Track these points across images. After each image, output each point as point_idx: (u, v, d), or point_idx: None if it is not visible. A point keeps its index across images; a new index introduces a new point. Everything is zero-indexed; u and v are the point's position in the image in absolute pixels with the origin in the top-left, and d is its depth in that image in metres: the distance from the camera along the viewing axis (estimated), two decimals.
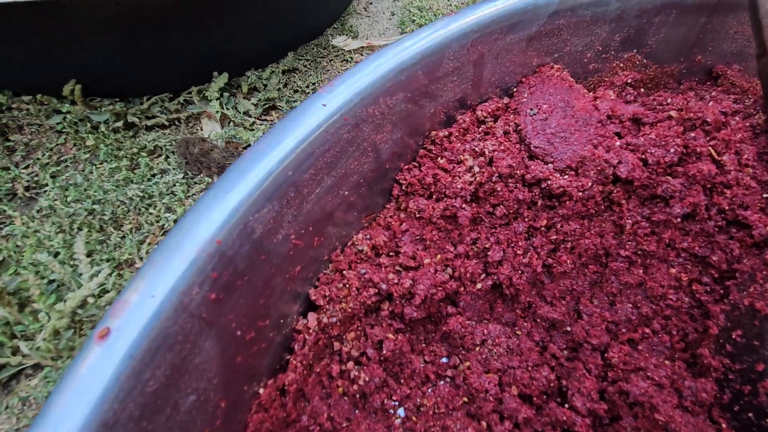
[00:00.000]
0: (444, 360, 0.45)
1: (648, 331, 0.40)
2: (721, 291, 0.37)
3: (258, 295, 0.34)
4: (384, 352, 0.42)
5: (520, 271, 0.43)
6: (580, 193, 0.39)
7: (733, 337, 0.34)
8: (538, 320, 0.44)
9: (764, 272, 0.33)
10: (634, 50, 0.53)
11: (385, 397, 0.43)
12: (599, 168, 0.39)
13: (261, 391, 0.38)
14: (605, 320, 0.42)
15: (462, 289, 0.45)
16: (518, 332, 0.44)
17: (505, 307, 0.46)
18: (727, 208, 0.37)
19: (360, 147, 0.40)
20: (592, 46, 0.50)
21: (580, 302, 0.43)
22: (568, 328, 0.42)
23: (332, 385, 0.44)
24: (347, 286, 0.42)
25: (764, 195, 0.37)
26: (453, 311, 0.46)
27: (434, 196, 0.45)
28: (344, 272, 0.43)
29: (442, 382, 0.44)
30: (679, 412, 0.33)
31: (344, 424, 0.42)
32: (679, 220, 0.38)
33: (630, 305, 0.41)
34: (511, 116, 0.46)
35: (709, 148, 0.38)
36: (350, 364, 0.44)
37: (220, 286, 0.29)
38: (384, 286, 0.43)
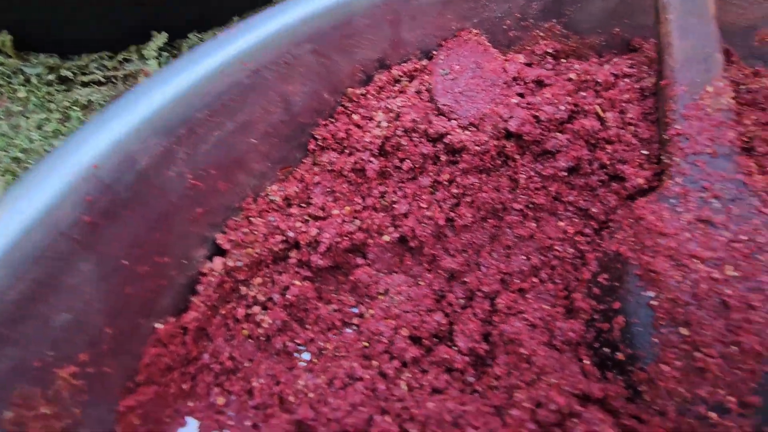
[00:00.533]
0: (353, 309, 0.47)
1: (536, 281, 0.43)
2: (599, 241, 0.40)
3: (151, 229, 0.35)
4: (289, 297, 0.44)
5: (424, 224, 0.45)
6: (477, 147, 0.42)
7: (600, 280, 0.37)
8: (440, 271, 0.46)
9: (630, 220, 0.36)
10: (554, 20, 0.54)
11: (287, 339, 0.44)
12: (494, 123, 0.41)
13: (160, 326, 0.39)
14: (501, 271, 0.44)
15: (371, 241, 0.47)
16: (420, 282, 0.46)
17: (413, 260, 0.48)
18: (607, 162, 0.39)
19: (265, 95, 0.41)
20: (510, 13, 0.52)
21: (480, 255, 0.46)
22: (466, 279, 0.45)
23: (237, 328, 0.45)
24: (255, 232, 0.44)
25: (643, 151, 0.40)
26: (362, 262, 0.48)
27: (346, 151, 0.46)
28: (253, 219, 0.44)
29: (348, 330, 0.46)
30: (544, 348, 0.36)
31: (246, 364, 0.44)
32: (565, 173, 0.40)
33: (523, 257, 0.44)
34: (426, 77, 0.47)
35: (596, 106, 0.40)
36: (256, 308, 0.45)
37: (96, 211, 0.30)
38: (291, 234, 0.45)
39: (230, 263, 0.43)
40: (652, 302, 0.32)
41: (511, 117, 0.40)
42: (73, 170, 0.29)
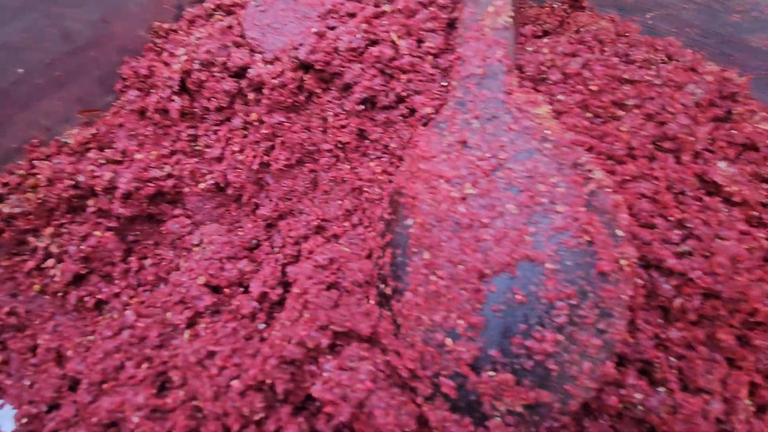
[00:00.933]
0: (170, 263, 0.44)
1: (347, 225, 0.41)
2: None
3: None
4: (85, 248, 0.40)
5: (238, 169, 0.42)
6: (275, 81, 0.38)
7: (385, 215, 0.35)
8: (259, 219, 0.43)
9: (409, 149, 0.34)
10: None
11: (86, 294, 0.41)
12: (288, 54, 0.38)
13: None
14: (319, 218, 0.42)
15: (187, 189, 0.44)
16: (240, 232, 0.43)
17: (238, 210, 0.45)
18: (403, 93, 0.37)
19: (28, 16, 0.36)
20: None
21: (302, 202, 0.43)
22: (282, 226, 0.42)
23: (26, 282, 0.42)
24: (37, 176, 0.40)
25: (443, 83, 0.37)
26: (180, 213, 0.45)
27: (150, 90, 0.43)
28: (36, 163, 0.40)
29: (162, 285, 0.43)
30: (318, 287, 0.33)
31: (36, 321, 0.41)
32: (362, 107, 0.38)
33: (338, 201, 0.42)
34: (240, 10, 0.44)
35: (391, 33, 0.37)
36: (50, 262, 0.42)
37: None
38: (81, 178, 0.41)
39: (6, 209, 0.39)
40: (410, 230, 0.30)
41: (301, 45, 0.37)
42: None
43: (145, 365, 0.33)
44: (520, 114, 0.28)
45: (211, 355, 0.31)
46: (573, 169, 0.28)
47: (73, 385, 0.35)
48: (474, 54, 0.31)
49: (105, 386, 0.32)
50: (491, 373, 0.27)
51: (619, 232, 0.27)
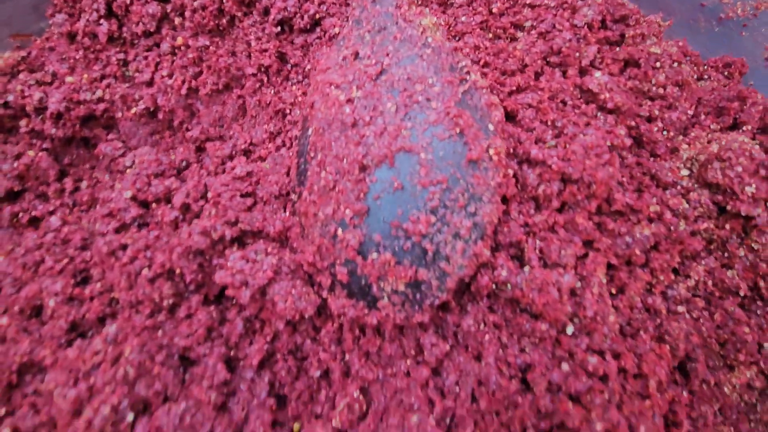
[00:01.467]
0: (105, 186, 0.46)
1: (271, 146, 0.43)
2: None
3: None
4: (18, 165, 0.42)
5: (167, 94, 0.44)
6: (196, 3, 0.40)
7: (297, 132, 0.37)
8: (190, 143, 0.45)
9: (314, 68, 0.36)
10: None
11: (20, 210, 0.43)
12: None
13: None
14: (246, 141, 0.44)
15: (119, 114, 0.46)
16: (172, 156, 0.45)
17: (171, 135, 0.47)
18: (316, 15, 0.39)
19: None
20: None
21: (231, 127, 0.45)
22: (209, 148, 0.44)
23: None
24: None
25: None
26: (114, 137, 0.46)
27: (79, 14, 0.44)
28: None
29: (98, 207, 0.45)
30: (234, 194, 0.36)
31: None
32: (279, 29, 0.40)
33: (264, 125, 0.44)
34: None
35: None
36: None
37: None
38: (11, 98, 0.42)
39: None
40: (310, 137, 0.32)
41: None
42: None
43: (65, 261, 0.35)
44: (405, 24, 0.30)
45: (124, 247, 0.34)
46: (450, 71, 0.30)
47: None
48: None
49: (25, 277, 0.34)
50: (375, 255, 0.30)
51: (491, 127, 0.30)
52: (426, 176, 0.29)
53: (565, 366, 0.27)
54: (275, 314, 0.34)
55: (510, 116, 0.33)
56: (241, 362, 0.33)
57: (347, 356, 0.34)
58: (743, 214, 0.32)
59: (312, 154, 0.32)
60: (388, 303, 0.31)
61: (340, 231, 0.30)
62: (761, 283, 0.34)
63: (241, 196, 0.37)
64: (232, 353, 0.33)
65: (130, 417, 0.27)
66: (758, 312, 0.34)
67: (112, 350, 0.28)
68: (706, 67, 0.45)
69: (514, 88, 0.34)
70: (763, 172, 0.31)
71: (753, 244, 0.33)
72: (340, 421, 0.32)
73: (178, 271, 0.33)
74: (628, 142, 0.31)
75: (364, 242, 0.30)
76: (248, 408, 0.31)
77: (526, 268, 0.30)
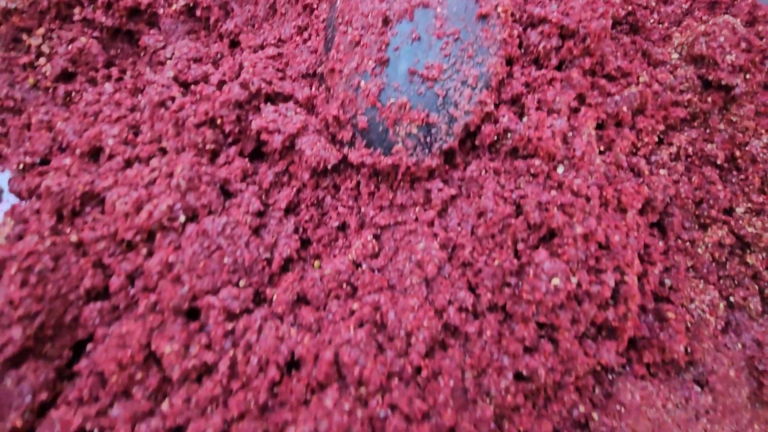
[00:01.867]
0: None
1: (300, 39, 0.47)
2: None
3: None
4: (72, 48, 0.47)
5: None
6: None
7: (325, 15, 0.41)
8: (225, 37, 0.49)
9: None
10: None
11: (71, 89, 0.48)
12: None
13: None
14: (275, 37, 0.48)
15: (161, 11, 0.50)
16: (207, 49, 0.49)
17: (206, 35, 0.51)
18: None
19: None
20: None
21: (262, 26, 0.49)
22: (242, 42, 0.48)
23: (22, 75, 0.48)
24: None
25: None
26: (155, 32, 0.51)
27: None
28: None
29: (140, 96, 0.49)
30: (266, 65, 0.40)
31: (30, 109, 0.47)
32: None
33: (293, 22, 0.48)
34: None
35: None
36: (41, 60, 0.48)
37: None
38: None
39: (2, 3, 0.45)
40: (338, 6, 0.37)
41: None
42: None
43: (120, 113, 0.40)
44: None
45: (172, 99, 0.38)
46: None
47: (64, 147, 0.43)
48: None
49: (86, 125, 0.39)
50: (392, 99, 0.34)
51: None
52: (440, 28, 0.33)
53: (553, 192, 0.31)
54: (301, 166, 0.38)
55: None
56: (270, 207, 0.38)
57: (363, 209, 0.39)
58: (723, 83, 0.35)
59: (339, 20, 0.36)
60: (401, 147, 0.35)
61: (362, 82, 0.35)
62: (737, 153, 0.37)
63: (274, 69, 0.41)
64: (263, 198, 0.38)
65: (182, 218, 0.32)
66: (733, 180, 0.38)
67: (166, 168, 0.33)
68: None
69: None
70: (743, 44, 0.34)
71: (732, 117, 0.37)
72: (355, 255, 0.36)
73: (219, 121, 0.38)
74: (623, 12, 0.34)
75: (383, 89, 0.34)
76: (277, 236, 0.36)
77: (525, 118, 0.34)
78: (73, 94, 0.48)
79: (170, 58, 0.50)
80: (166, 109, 0.38)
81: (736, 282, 0.38)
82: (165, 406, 0.29)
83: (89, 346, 0.32)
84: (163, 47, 0.50)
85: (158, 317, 0.31)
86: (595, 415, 0.33)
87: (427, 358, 0.30)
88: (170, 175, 0.33)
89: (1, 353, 0.28)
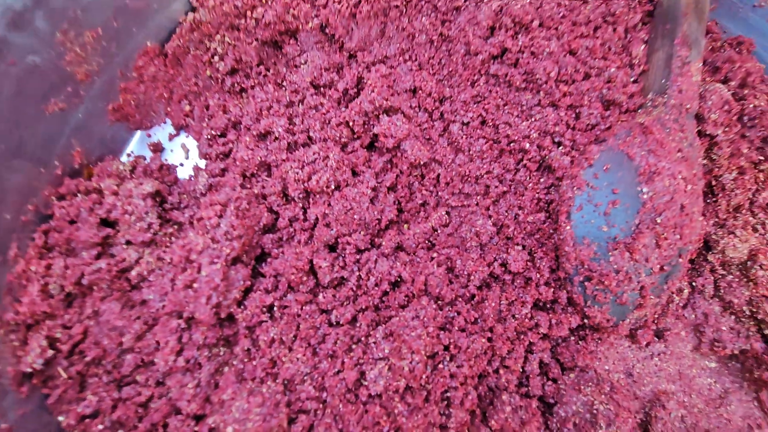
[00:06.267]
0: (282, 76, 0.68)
1: (401, 60, 0.63)
2: (447, 22, 0.59)
3: None
4: (238, 54, 0.65)
5: (336, 15, 0.64)
6: None
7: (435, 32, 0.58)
8: (345, 52, 0.66)
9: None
10: None
11: (235, 81, 0.66)
12: None
13: (148, 45, 0.60)
14: (383, 54, 0.64)
15: (300, 27, 0.67)
16: (333, 58, 0.66)
17: (330, 47, 0.68)
18: None
19: None
20: None
21: (373, 44, 0.66)
22: (360, 57, 0.65)
23: (202, 68, 0.67)
24: None
25: None
26: (293, 42, 0.68)
27: None
28: None
29: (282, 89, 0.67)
30: (384, 83, 0.57)
31: (206, 93, 0.66)
32: None
33: (398, 44, 0.64)
34: None
35: None
36: (216, 58, 0.67)
37: None
38: (239, 3, 0.64)
39: (199, 16, 0.63)
40: None
41: None
42: None
43: (283, 109, 0.59)
44: None
45: (321, 104, 0.56)
46: None
47: (236, 124, 0.62)
48: None
49: (260, 116, 0.58)
50: None
51: None
52: None
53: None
54: (402, 160, 0.56)
55: (572, 52, 0.52)
56: (379, 185, 0.56)
57: (440, 193, 0.56)
58: (708, 133, 0.50)
59: None
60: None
61: None
62: (713, 182, 0.52)
63: (387, 87, 0.58)
64: (376, 178, 0.56)
65: (332, 186, 0.51)
66: (708, 201, 0.53)
67: (323, 153, 0.52)
68: (723, 42, 0.60)
69: (579, 34, 0.52)
70: (726, 106, 0.48)
71: (712, 156, 0.52)
72: (433, 223, 0.54)
73: (351, 123, 0.55)
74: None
75: None
76: (384, 205, 0.54)
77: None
78: (236, 85, 0.66)
79: (305, 63, 0.67)
80: (317, 111, 0.56)
81: (698, 273, 0.54)
82: (320, 298, 0.48)
83: (269, 259, 0.51)
84: (299, 54, 0.68)
85: (315, 245, 0.50)
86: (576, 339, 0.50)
87: (478, 290, 0.48)
88: (326, 158, 0.51)
89: (228, 255, 0.48)
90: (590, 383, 0.46)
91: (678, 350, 0.53)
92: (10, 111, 0.46)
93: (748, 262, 0.52)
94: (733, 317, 0.52)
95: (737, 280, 0.52)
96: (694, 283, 0.54)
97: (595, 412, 0.45)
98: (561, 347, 0.49)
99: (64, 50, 0.50)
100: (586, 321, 0.48)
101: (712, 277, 0.54)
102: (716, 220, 0.53)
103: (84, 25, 0.51)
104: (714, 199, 0.53)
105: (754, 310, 0.51)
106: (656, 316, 0.50)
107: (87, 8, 0.50)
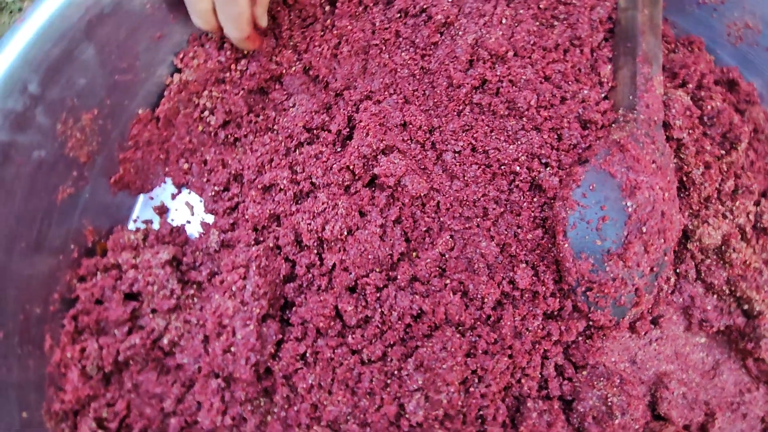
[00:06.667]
0: (272, 119, 0.70)
1: (387, 94, 0.66)
2: (424, 63, 0.63)
3: (126, 38, 0.55)
4: (227, 107, 0.66)
5: (318, 58, 0.67)
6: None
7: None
8: (330, 91, 0.68)
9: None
10: None
11: (228, 134, 0.68)
12: None
13: (140, 111, 0.61)
14: (367, 90, 0.67)
15: (284, 71, 0.69)
16: (318, 98, 0.68)
17: (314, 86, 0.70)
18: (424, 6, 0.60)
19: None
20: None
21: (357, 80, 0.68)
22: (345, 95, 0.67)
23: (194, 125, 0.68)
24: (197, 58, 0.64)
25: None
26: (279, 87, 0.70)
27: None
28: (197, 48, 0.65)
29: (270, 132, 0.69)
30: (376, 122, 0.60)
31: (201, 147, 0.68)
32: (398, 15, 0.62)
33: (380, 79, 0.67)
34: None
35: None
36: (206, 113, 0.68)
37: (94, 14, 0.50)
38: (222, 59, 0.66)
39: (184, 77, 0.64)
40: None
41: None
42: None
43: (283, 161, 0.61)
44: None
45: (321, 153, 0.59)
46: None
47: (236, 176, 0.63)
48: None
49: (263, 169, 0.60)
50: None
51: None
52: None
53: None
54: (403, 194, 0.59)
55: (546, 78, 0.56)
56: (385, 220, 0.59)
57: (441, 219, 0.60)
58: (675, 137, 0.55)
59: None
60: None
61: None
62: (684, 178, 0.58)
63: (378, 125, 0.61)
64: (381, 215, 0.59)
65: (345, 232, 0.54)
66: (681, 195, 0.59)
67: (331, 202, 0.54)
68: (677, 43, 0.66)
69: (551, 60, 0.56)
70: (687, 112, 0.54)
71: (681, 155, 0.57)
72: (441, 249, 0.58)
73: (352, 167, 0.58)
74: None
75: None
76: (393, 239, 0.57)
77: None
78: (229, 136, 0.68)
79: (293, 106, 0.69)
80: (317, 159, 0.59)
81: (681, 260, 0.60)
82: (350, 339, 0.52)
83: (294, 308, 0.54)
84: (287, 98, 0.69)
85: (337, 290, 0.53)
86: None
87: (492, 311, 0.52)
88: (335, 206, 0.54)
89: (259, 314, 0.51)
90: (602, 378, 0.52)
91: (672, 333, 0.59)
92: (25, 210, 0.47)
93: (723, 247, 0.58)
94: (715, 297, 0.59)
95: (715, 263, 0.59)
96: (678, 270, 0.60)
97: (609, 404, 0.50)
98: (572, 348, 0.54)
99: (66, 138, 0.51)
100: (591, 323, 0.53)
101: (693, 263, 0.60)
102: (690, 211, 0.59)
103: (81, 110, 0.52)
104: (687, 193, 0.59)
105: (733, 288, 0.57)
106: (650, 306, 0.56)
107: (81, 93, 0.51)
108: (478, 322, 0.51)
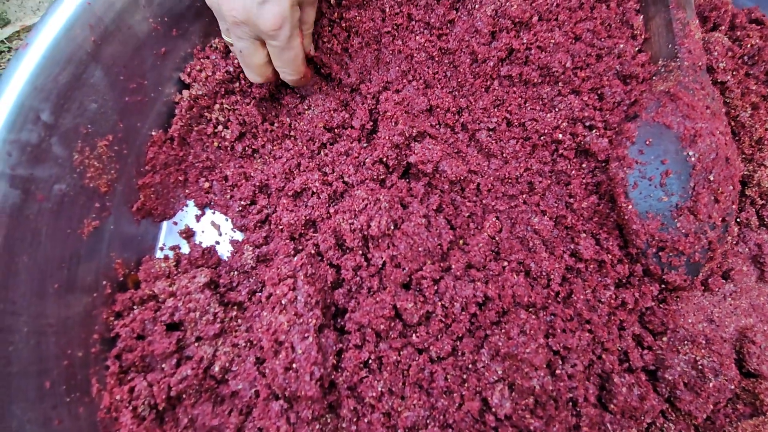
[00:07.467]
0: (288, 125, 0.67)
1: (405, 81, 0.63)
2: (442, 45, 0.60)
3: (132, 56, 0.52)
4: (240, 116, 0.63)
5: (327, 54, 0.64)
6: None
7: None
8: (345, 88, 0.65)
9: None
10: None
11: (245, 146, 0.64)
12: None
13: (154, 133, 0.58)
14: (384, 80, 0.64)
15: None
16: (334, 96, 0.66)
17: (327, 85, 0.67)
18: None
19: None
20: None
21: (371, 73, 0.65)
22: (361, 89, 0.64)
23: (209, 140, 0.65)
24: (204, 70, 0.61)
25: None
26: (290, 90, 0.67)
27: None
28: (203, 60, 0.62)
29: (287, 140, 0.66)
30: (401, 110, 0.57)
31: (219, 164, 0.64)
32: None
33: (397, 67, 0.64)
34: None
35: None
36: (220, 128, 0.65)
37: (97, 32, 0.47)
38: (231, 69, 0.63)
39: (193, 92, 0.61)
40: None
41: None
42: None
43: (311, 164, 0.58)
44: None
45: (351, 149, 0.56)
46: None
47: (262, 187, 0.60)
48: None
49: (290, 175, 0.57)
50: None
51: None
52: None
53: None
54: (442, 180, 0.56)
55: (577, 38, 0.53)
56: (427, 209, 0.56)
57: (484, 201, 0.57)
58: (720, 80, 0.53)
59: None
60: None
61: None
62: (732, 123, 0.55)
63: (403, 112, 0.58)
64: (423, 206, 0.56)
65: (392, 227, 0.50)
66: None
67: (372, 197, 0.51)
68: None
69: (578, 19, 0.54)
70: (729, 53, 0.51)
71: (726, 99, 0.54)
72: (489, 233, 0.55)
73: (385, 159, 0.55)
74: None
75: None
76: (439, 228, 0.54)
77: None
78: (246, 148, 0.65)
79: (309, 109, 0.66)
80: (347, 156, 0.56)
81: (741, 208, 0.57)
82: (414, 338, 0.48)
83: (347, 314, 0.51)
84: (300, 102, 0.66)
85: (392, 289, 0.50)
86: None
87: (560, 287, 0.49)
88: (377, 200, 0.51)
89: (315, 325, 0.47)
90: (685, 341, 0.49)
91: (745, 285, 0.56)
92: (53, 249, 0.43)
93: None
94: None
95: None
96: (739, 219, 0.57)
97: (700, 367, 0.47)
98: (647, 315, 0.51)
99: (84, 168, 0.47)
100: (664, 286, 0.50)
101: (754, 209, 0.57)
102: (744, 155, 0.56)
103: (95, 137, 0.48)
104: (737, 137, 0.56)
105: None
106: (720, 260, 0.53)
107: (94, 119, 0.48)
108: (549, 301, 0.48)
